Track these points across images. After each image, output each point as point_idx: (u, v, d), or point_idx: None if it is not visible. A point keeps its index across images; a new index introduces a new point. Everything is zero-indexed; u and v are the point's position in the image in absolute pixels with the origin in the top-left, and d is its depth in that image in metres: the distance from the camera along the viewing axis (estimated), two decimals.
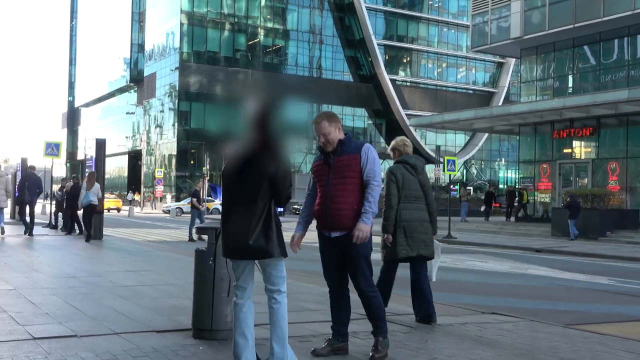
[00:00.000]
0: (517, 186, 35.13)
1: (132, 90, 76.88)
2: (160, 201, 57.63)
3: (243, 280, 4.59)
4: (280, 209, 16.84)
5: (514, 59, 63.43)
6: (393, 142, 6.80)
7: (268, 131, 4.55)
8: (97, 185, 17.27)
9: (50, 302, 7.22)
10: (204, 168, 50.72)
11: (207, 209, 28.15)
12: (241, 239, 4.42)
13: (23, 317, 6.25)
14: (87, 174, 19.08)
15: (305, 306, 7.50)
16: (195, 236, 19.32)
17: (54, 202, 23.39)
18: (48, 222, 23.12)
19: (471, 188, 65.10)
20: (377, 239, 5.96)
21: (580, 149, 31.45)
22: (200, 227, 5.77)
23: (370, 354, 4.95)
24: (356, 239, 4.90)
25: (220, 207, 8.20)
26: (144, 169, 70.09)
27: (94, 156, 17.79)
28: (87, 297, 7.66)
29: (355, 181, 4.98)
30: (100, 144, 17.85)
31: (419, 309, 6.67)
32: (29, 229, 17.82)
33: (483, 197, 31.06)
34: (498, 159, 78.69)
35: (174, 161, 63.81)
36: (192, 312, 5.67)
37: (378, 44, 69.20)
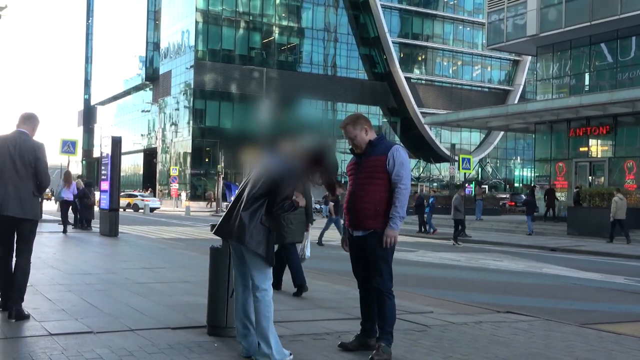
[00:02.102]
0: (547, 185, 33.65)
1: (147, 89, 77.23)
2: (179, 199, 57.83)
3: (241, 274, 4.93)
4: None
5: (530, 57, 63.11)
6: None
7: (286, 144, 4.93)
8: (74, 184, 18.69)
9: (66, 298, 7.28)
10: (219, 166, 50.84)
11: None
12: (224, 219, 4.88)
13: (39, 313, 6.31)
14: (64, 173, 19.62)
15: (319, 304, 7.50)
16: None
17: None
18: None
19: (486, 187, 64.84)
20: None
21: (596, 148, 31.24)
22: (214, 224, 5.78)
23: (370, 356, 4.91)
24: (385, 244, 4.96)
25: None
26: (159, 167, 70.44)
27: (110, 154, 17.86)
28: (102, 293, 7.71)
29: (381, 182, 4.99)
30: (116, 142, 17.93)
31: (298, 279, 8.20)
32: None
33: (544, 196, 29.80)
34: (513, 157, 78.32)
35: (189, 159, 64.05)
36: (206, 309, 5.69)
37: (393, 42, 69.04)
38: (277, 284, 8.29)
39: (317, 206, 36.85)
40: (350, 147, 5.26)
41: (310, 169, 4.85)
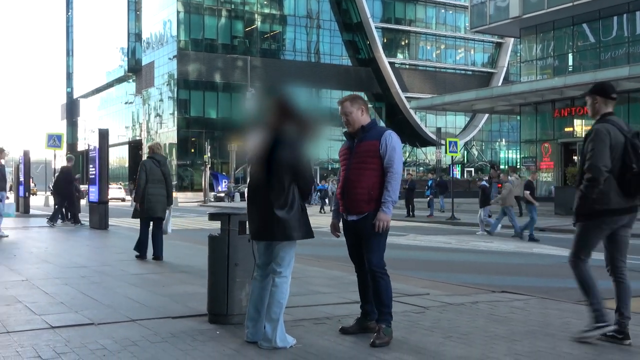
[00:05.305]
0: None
1: (130, 80, 76.75)
2: None
3: (262, 261, 4.97)
4: None
5: (513, 39, 63.30)
6: (151, 144, 10.71)
7: (286, 124, 4.84)
8: None
9: (64, 291, 7.27)
10: (205, 156, 50.70)
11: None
12: (257, 222, 4.85)
13: (39, 307, 6.31)
14: None
15: (317, 289, 7.55)
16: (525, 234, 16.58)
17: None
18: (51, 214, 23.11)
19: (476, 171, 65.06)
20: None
21: (581, 128, 31.46)
22: (212, 213, 5.81)
23: (372, 340, 4.96)
24: (377, 228, 5.00)
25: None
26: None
27: (98, 146, 17.76)
28: (100, 286, 7.71)
29: (374, 167, 5.04)
30: (103, 134, 17.83)
31: (155, 251, 10.17)
32: None
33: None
34: (499, 140, 78.69)
35: (174, 150, 63.82)
36: (207, 297, 5.72)
37: (376, 27, 68.99)
38: (142, 254, 10.26)
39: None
40: (344, 130, 5.29)
41: (293, 121, 4.86)
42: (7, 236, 14.51)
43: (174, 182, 60.53)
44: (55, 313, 6.04)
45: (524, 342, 5.13)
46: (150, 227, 10.43)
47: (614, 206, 5.00)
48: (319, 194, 35.03)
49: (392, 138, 5.06)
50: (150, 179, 10.00)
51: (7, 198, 18.45)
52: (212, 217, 5.74)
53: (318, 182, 39.91)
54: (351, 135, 5.23)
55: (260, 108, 5.30)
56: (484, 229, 18.43)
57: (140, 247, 10.36)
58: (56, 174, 20.75)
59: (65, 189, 18.77)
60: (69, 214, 20.42)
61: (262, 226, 4.82)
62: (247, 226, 5.15)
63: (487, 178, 20.64)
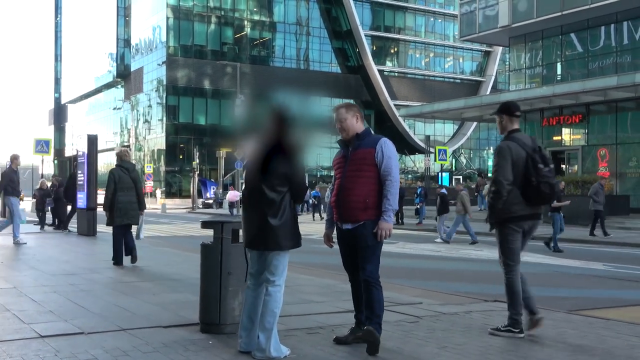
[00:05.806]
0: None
1: (119, 86, 76.40)
2: (150, 197, 57.26)
3: (255, 269, 4.94)
4: None
5: (501, 48, 63.64)
6: (118, 151, 10.99)
7: (283, 134, 4.81)
8: None
9: (52, 299, 7.17)
10: (194, 162, 50.50)
11: None
12: (250, 230, 4.83)
13: (27, 316, 6.21)
14: None
15: (309, 298, 7.49)
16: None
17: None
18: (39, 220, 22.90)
19: (461, 178, 65.17)
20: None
21: (569, 136, 31.64)
22: (205, 221, 5.74)
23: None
24: (379, 237, 4.97)
25: None
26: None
27: (86, 152, 17.64)
28: (89, 294, 7.62)
29: (369, 174, 5.00)
30: (92, 140, 17.70)
31: (128, 253, 10.45)
32: None
33: None
34: (487, 148, 78.91)
35: (163, 156, 63.55)
36: (199, 306, 5.64)
37: (365, 35, 69.10)
38: (118, 260, 10.43)
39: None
40: (339, 139, 5.26)
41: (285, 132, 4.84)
42: (25, 243, 14.37)
43: (162, 189, 60.68)
44: (44, 322, 5.94)
45: (518, 352, 5.11)
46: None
47: (518, 213, 5.57)
48: (311, 200, 34.78)
49: (387, 146, 5.05)
50: (119, 187, 10.30)
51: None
52: (205, 225, 5.68)
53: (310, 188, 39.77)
54: (345, 144, 5.21)
55: (252, 115, 5.25)
56: (442, 235, 18.81)
57: (116, 255, 10.51)
58: (63, 181, 20.61)
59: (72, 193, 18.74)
60: (57, 220, 20.27)
61: (255, 234, 4.79)
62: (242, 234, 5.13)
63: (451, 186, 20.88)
